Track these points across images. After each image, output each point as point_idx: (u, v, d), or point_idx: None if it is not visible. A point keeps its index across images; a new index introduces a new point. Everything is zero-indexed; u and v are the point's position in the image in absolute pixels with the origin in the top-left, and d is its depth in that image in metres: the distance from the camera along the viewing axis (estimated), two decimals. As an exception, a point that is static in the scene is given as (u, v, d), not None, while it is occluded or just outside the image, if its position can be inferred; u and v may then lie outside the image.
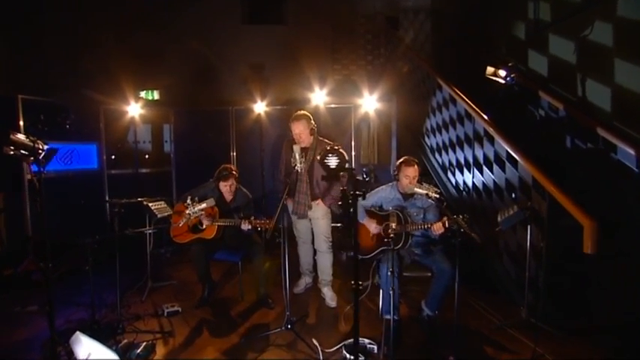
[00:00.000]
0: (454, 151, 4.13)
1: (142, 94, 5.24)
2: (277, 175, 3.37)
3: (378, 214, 2.82)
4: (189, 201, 2.94)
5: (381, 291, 2.71)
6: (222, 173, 3.12)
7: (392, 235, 2.50)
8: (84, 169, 4.49)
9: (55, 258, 3.51)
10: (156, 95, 5.36)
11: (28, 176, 3.81)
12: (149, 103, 5.13)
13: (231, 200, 3.20)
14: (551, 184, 2.66)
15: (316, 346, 2.46)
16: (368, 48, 6.43)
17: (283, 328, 2.57)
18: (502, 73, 3.56)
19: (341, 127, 4.92)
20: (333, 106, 4.93)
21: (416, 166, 2.71)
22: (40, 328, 2.72)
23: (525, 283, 2.72)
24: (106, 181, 4.71)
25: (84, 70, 5.38)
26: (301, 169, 2.67)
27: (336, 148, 1.97)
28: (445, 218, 2.43)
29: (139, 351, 2.35)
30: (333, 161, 1.86)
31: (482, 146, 3.56)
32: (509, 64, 3.58)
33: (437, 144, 4.57)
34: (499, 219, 2.69)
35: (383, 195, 2.86)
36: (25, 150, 1.98)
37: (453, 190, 4.19)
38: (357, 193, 1.66)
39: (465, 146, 3.88)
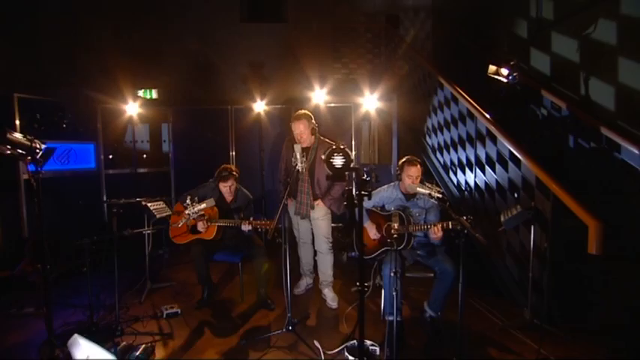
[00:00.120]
0: (456, 151, 4.10)
1: (140, 92, 5.20)
2: (277, 175, 3.34)
3: (380, 214, 2.79)
4: (188, 201, 2.90)
5: (382, 292, 2.68)
6: (222, 173, 3.08)
7: (395, 236, 2.47)
8: (81, 168, 4.45)
9: (53, 259, 3.49)
10: (154, 94, 5.32)
11: (25, 176, 3.77)
12: (147, 102, 5.09)
13: (232, 201, 3.17)
14: (555, 184, 2.63)
15: (318, 348, 2.45)
16: (368, 47, 6.39)
17: (284, 329, 2.54)
18: (504, 71, 3.54)
19: (341, 126, 4.88)
20: (333, 105, 4.89)
21: (419, 166, 2.69)
22: (37, 330, 2.68)
23: (529, 284, 2.70)
24: (104, 181, 4.68)
25: (81, 68, 5.34)
26: (302, 169, 2.64)
27: (342, 147, 1.94)
28: (440, 224, 2.44)
29: (137, 353, 2.32)
30: (338, 161, 1.83)
31: (484, 145, 3.53)
32: (512, 63, 3.55)
33: (438, 143, 4.54)
34: (502, 219, 2.67)
35: (385, 195, 2.84)
36: (22, 149, 1.95)
37: (454, 190, 4.16)
38: (363, 193, 1.63)
39: (467, 145, 3.85)
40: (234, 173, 3.11)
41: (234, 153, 5.03)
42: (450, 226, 2.41)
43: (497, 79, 3.59)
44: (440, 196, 2.34)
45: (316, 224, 3.14)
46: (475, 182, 3.72)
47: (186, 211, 2.87)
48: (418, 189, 2.42)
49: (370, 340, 2.45)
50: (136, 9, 5.79)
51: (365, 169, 1.74)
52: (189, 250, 3.07)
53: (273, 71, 6.18)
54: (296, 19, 6.46)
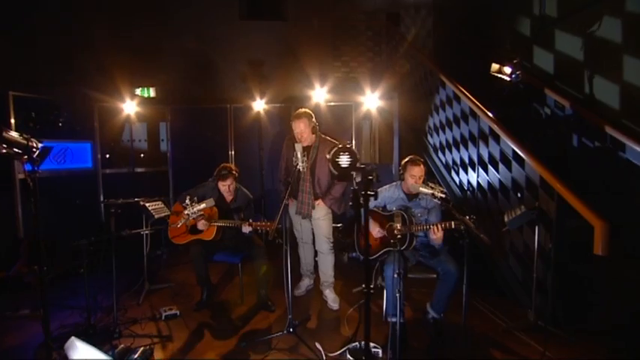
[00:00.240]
0: (458, 150, 4.06)
1: (138, 91, 5.16)
2: (277, 174, 3.30)
3: (382, 214, 2.76)
4: (187, 201, 2.86)
5: (385, 293, 2.65)
6: (221, 172, 3.04)
7: (399, 236, 2.43)
8: (78, 168, 4.39)
9: (49, 260, 3.44)
10: (152, 92, 5.27)
11: (21, 175, 3.72)
12: (145, 101, 5.04)
13: (232, 200, 3.13)
14: (560, 183, 2.60)
15: (319, 350, 2.41)
16: (369, 45, 6.36)
17: (285, 331, 2.51)
18: (507, 70, 3.51)
19: (342, 125, 4.83)
20: (333, 103, 4.85)
21: (422, 166, 2.66)
22: (33, 333, 2.63)
23: (533, 284, 2.66)
24: (101, 180, 4.62)
25: (78, 66, 5.26)
26: (303, 168, 2.60)
27: (349, 146, 1.91)
28: (441, 224, 2.42)
29: (136, 356, 2.27)
30: (344, 160, 1.80)
31: (487, 145, 3.49)
32: (515, 61, 3.51)
33: (440, 142, 4.50)
34: (506, 219, 2.64)
35: (387, 195, 2.80)
36: (18, 148, 1.92)
37: (457, 190, 4.12)
38: (369, 193, 1.59)
39: (470, 145, 3.81)
40: (234, 172, 3.06)
41: (233, 152, 4.98)
42: (453, 226, 2.37)
43: (500, 77, 3.56)
44: (443, 196, 2.31)
45: (317, 224, 3.10)
46: (478, 182, 3.68)
47: (186, 212, 2.82)
48: (421, 189, 2.39)
49: (372, 342, 2.42)
50: (133, 6, 5.72)
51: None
52: (188, 250, 3.03)
53: (272, 69, 6.13)
54: (296, 17, 6.41)
